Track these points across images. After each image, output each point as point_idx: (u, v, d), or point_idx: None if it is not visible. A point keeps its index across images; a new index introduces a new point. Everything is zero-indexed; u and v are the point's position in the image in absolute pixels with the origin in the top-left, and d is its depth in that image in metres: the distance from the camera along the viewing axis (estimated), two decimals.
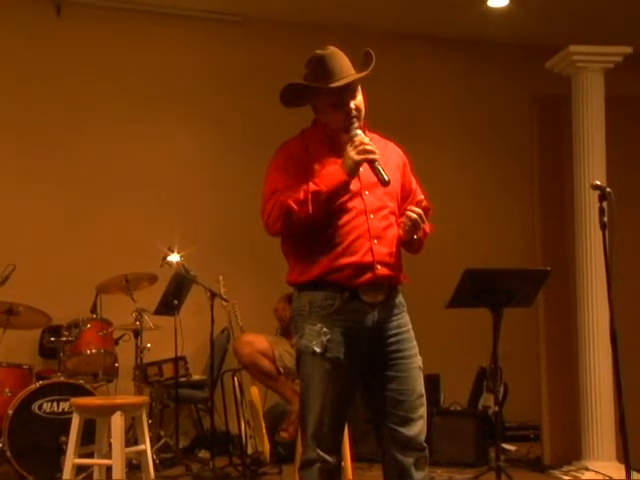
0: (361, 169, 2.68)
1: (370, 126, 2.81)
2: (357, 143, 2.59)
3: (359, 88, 2.73)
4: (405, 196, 2.85)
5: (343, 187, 2.61)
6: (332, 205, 2.61)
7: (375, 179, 2.66)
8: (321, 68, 2.66)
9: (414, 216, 2.65)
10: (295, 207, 2.57)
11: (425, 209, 2.73)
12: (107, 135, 6.30)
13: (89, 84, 6.30)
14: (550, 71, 5.62)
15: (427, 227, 2.80)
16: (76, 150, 6.25)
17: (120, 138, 6.33)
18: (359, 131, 2.66)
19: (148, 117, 6.42)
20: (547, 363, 5.43)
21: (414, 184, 2.91)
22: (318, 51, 2.70)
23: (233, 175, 6.43)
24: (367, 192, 2.71)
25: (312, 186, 2.59)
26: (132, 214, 6.24)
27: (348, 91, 2.67)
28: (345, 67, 2.68)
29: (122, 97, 6.35)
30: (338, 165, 2.62)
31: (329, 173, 2.62)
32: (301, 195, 2.58)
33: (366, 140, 2.61)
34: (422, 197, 2.85)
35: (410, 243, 2.76)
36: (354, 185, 2.68)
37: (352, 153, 2.59)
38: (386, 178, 2.60)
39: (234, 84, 6.58)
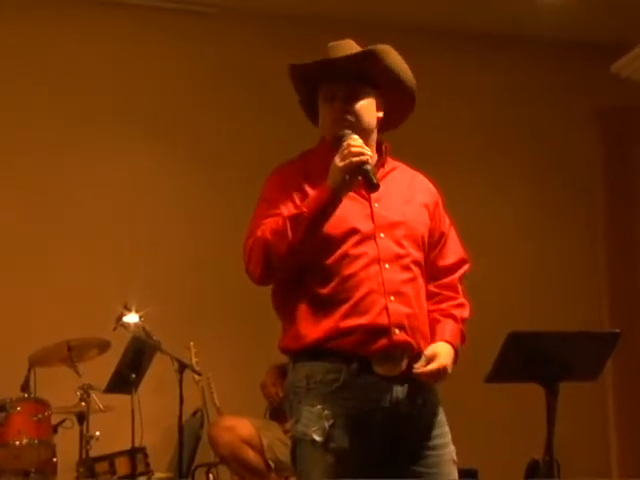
0: (375, 205, 2.76)
1: (395, 154, 2.90)
2: (343, 147, 2.66)
3: (366, 96, 2.83)
4: (434, 242, 2.90)
5: (329, 205, 2.65)
6: (319, 231, 2.66)
7: (392, 219, 2.74)
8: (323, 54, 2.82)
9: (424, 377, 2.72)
10: (273, 240, 2.64)
11: (458, 306, 2.88)
12: (43, 159, 6.29)
13: (20, 91, 6.32)
14: (616, 76, 5.68)
15: (463, 329, 2.89)
16: (2, 179, 6.27)
17: (60, 162, 6.32)
18: (348, 131, 2.73)
19: (98, 136, 6.43)
20: (619, 451, 5.41)
21: (447, 227, 2.96)
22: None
23: (210, 212, 6.43)
24: (382, 234, 2.75)
25: (291, 210, 2.66)
26: (77, 262, 6.23)
27: (341, 83, 2.79)
28: (347, 48, 2.82)
29: (64, 109, 6.36)
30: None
31: (313, 192, 2.69)
32: (279, 224, 2.64)
33: (354, 142, 2.67)
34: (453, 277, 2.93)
35: None
36: (366, 226, 2.73)
37: (337, 160, 2.66)
38: (374, 181, 2.65)
39: (211, 92, 6.61)
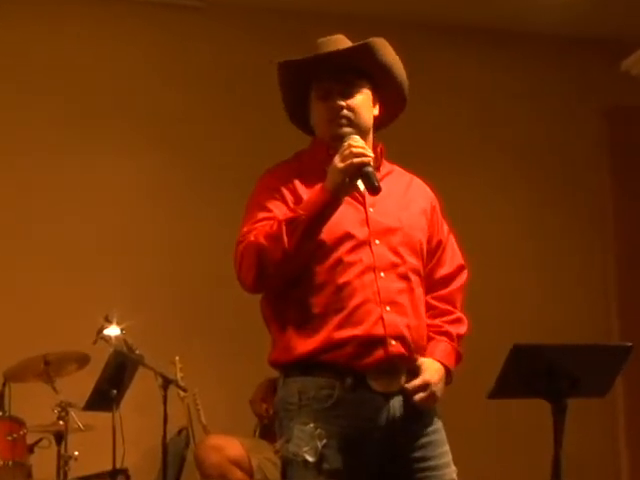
0: (371, 210, 2.75)
1: (388, 154, 2.89)
2: (344, 148, 2.65)
3: (363, 91, 2.83)
4: (431, 250, 2.90)
5: (327, 209, 2.64)
6: (316, 236, 2.65)
7: (388, 225, 2.73)
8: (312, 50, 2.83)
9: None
10: (267, 245, 2.61)
11: (454, 322, 2.87)
12: (21, 166, 6.28)
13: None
14: (621, 73, 5.68)
15: (458, 348, 2.89)
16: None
17: (38, 169, 6.30)
18: (348, 129, 2.74)
19: (77, 140, 6.40)
20: (630, 471, 5.40)
21: (445, 234, 2.96)
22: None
23: (196, 221, 6.41)
24: (377, 241, 2.74)
25: (287, 213, 2.65)
26: (54, 272, 6.19)
27: (336, 78, 2.79)
28: (339, 43, 2.81)
29: (39, 111, 6.35)
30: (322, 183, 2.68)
31: (310, 194, 2.68)
32: (274, 228, 2.62)
33: (356, 142, 2.66)
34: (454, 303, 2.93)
35: None
36: (361, 231, 2.72)
37: (336, 161, 2.64)
38: (376, 184, 2.63)
39: (198, 87, 6.60)
